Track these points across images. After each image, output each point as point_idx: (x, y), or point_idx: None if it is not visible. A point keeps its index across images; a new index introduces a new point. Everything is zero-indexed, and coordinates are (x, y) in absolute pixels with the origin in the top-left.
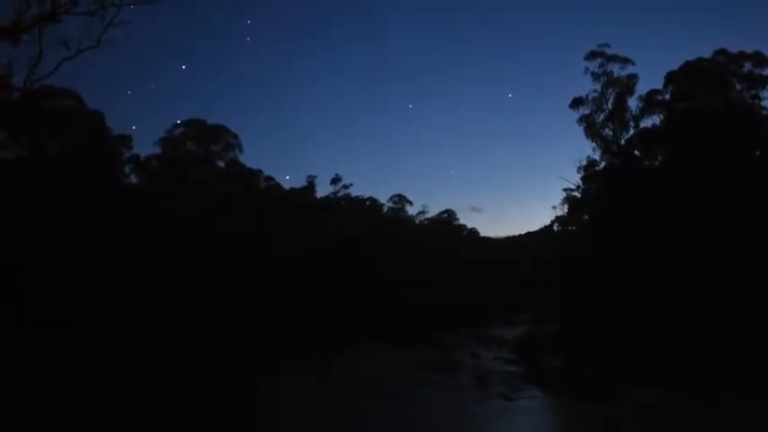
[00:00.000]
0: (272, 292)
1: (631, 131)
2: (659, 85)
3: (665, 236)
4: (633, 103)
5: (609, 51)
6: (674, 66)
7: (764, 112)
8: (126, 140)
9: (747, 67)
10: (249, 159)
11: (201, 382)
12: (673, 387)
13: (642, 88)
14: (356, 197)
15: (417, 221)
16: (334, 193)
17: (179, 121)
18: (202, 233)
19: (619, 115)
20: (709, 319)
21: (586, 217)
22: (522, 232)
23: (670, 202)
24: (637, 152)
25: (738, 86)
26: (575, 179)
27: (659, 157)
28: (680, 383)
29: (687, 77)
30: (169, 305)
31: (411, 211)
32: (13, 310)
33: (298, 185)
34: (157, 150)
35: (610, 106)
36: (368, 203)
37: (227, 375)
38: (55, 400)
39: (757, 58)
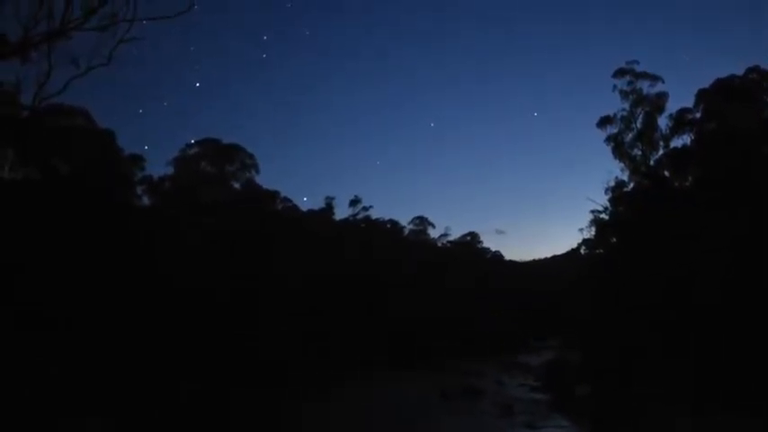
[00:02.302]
0: (282, 312)
1: (661, 151)
2: (690, 103)
3: (695, 259)
4: (663, 122)
5: (638, 68)
6: (705, 83)
7: None
8: (138, 160)
9: None
10: (265, 180)
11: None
12: (703, 413)
13: (672, 107)
14: (376, 219)
15: (440, 244)
16: (354, 215)
17: (193, 141)
18: (211, 253)
19: (648, 135)
20: (744, 345)
21: (615, 240)
22: (548, 255)
23: (701, 225)
24: (666, 173)
25: None
26: (602, 200)
27: (690, 178)
28: (710, 409)
29: (719, 95)
30: (179, 325)
31: (433, 233)
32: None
33: (316, 207)
34: (170, 171)
35: (639, 125)
36: (388, 226)
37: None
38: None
39: None
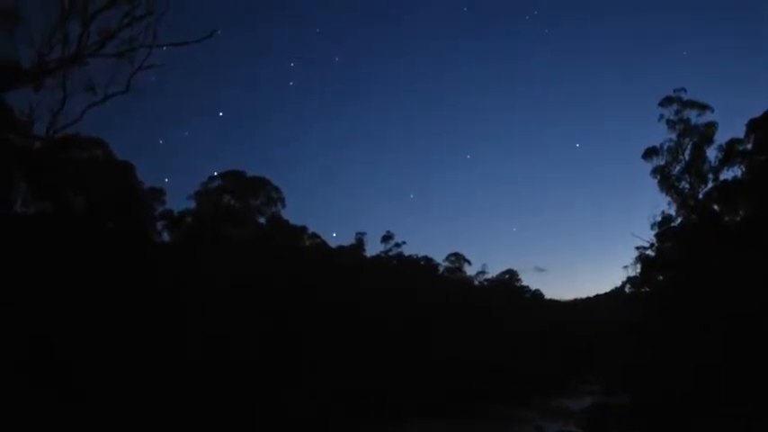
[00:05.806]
0: (313, 361)
1: (710, 184)
2: (740, 133)
3: (746, 301)
4: (712, 154)
5: (685, 97)
6: (757, 112)
7: None
8: (158, 194)
9: None
10: (292, 215)
11: None
12: None
13: (722, 137)
14: (409, 256)
15: (476, 282)
16: (386, 251)
17: (216, 173)
18: (237, 297)
19: (696, 166)
20: None
21: (661, 278)
22: (591, 294)
23: (754, 264)
24: (716, 207)
25: None
26: (648, 236)
27: (741, 213)
28: None
29: None
30: (204, 374)
31: (469, 271)
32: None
33: (346, 243)
34: (192, 205)
35: (686, 157)
36: (422, 263)
37: None
38: None
39: None
